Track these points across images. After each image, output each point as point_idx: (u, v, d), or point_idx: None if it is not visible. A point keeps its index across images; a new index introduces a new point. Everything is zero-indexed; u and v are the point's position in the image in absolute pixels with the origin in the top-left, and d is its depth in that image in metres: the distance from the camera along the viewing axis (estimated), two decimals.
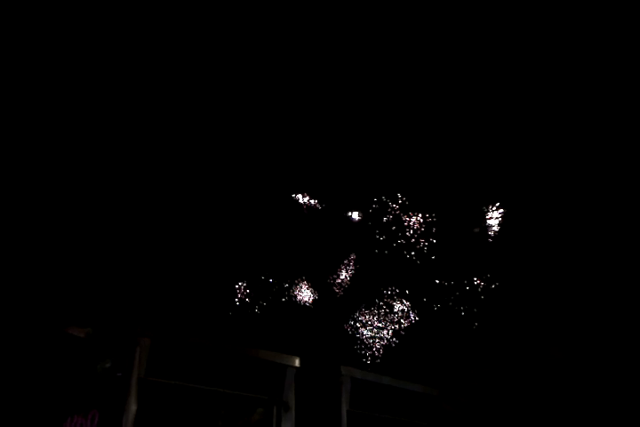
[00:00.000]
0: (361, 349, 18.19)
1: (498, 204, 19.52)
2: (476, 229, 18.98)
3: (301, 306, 18.88)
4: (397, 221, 19.50)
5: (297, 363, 11.22)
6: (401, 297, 19.28)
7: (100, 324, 10.27)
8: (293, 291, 18.91)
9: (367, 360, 17.47)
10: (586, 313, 16.06)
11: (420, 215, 19.02)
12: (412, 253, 18.88)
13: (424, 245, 19.22)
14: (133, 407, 8.66)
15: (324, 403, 11.68)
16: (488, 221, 19.39)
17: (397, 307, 19.17)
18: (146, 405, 8.89)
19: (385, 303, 19.22)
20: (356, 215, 19.45)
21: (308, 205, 19.39)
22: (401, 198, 19.37)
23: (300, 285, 19.01)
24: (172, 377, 9.62)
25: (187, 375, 9.76)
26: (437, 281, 19.16)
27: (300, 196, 19.83)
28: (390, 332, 18.76)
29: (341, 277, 19.25)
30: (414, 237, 19.17)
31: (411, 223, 19.29)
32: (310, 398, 11.46)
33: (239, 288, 18.89)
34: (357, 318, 18.86)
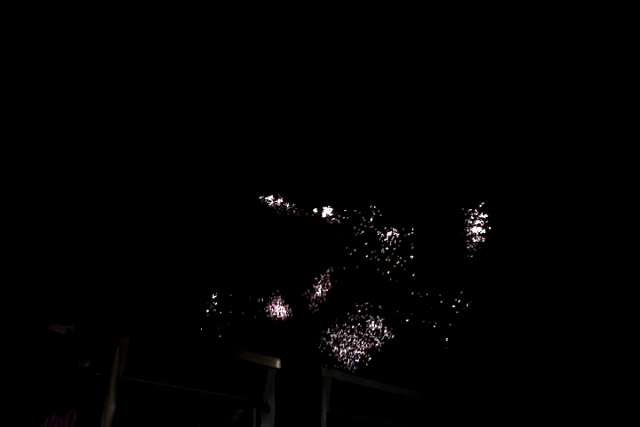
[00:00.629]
0: (341, 352, 18.21)
1: (477, 215, 19.43)
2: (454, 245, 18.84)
3: (282, 309, 18.86)
4: (371, 235, 19.36)
5: (278, 364, 11.18)
6: (375, 312, 19.22)
7: (80, 322, 10.17)
8: (270, 302, 18.87)
9: (348, 363, 17.49)
10: (566, 321, 16.19)
11: (396, 229, 18.84)
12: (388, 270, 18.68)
13: (400, 261, 19.07)
14: (112, 407, 8.59)
15: (304, 405, 11.65)
16: (469, 231, 19.33)
17: (372, 323, 19.16)
18: (124, 405, 8.81)
19: (362, 313, 19.18)
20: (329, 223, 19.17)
21: (282, 210, 19.18)
22: (375, 211, 19.17)
23: (275, 298, 18.94)
24: (152, 377, 9.55)
25: (166, 376, 9.70)
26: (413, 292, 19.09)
27: (277, 200, 19.62)
28: (370, 336, 18.78)
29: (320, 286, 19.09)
30: (390, 253, 19.02)
31: (386, 238, 19.14)
32: (290, 400, 11.43)
33: (220, 289, 18.84)
34: (335, 325, 18.86)
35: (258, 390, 10.74)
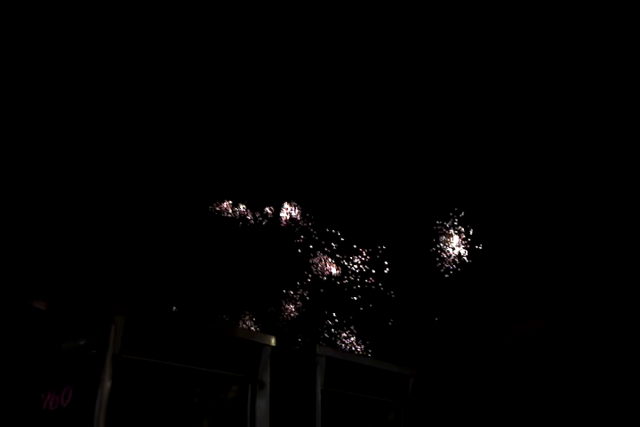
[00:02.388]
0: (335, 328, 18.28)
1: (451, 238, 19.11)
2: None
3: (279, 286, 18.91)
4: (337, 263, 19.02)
5: (273, 342, 11.24)
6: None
7: (74, 299, 10.18)
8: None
9: (341, 339, 17.58)
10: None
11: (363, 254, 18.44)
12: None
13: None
14: (108, 384, 8.62)
15: (299, 382, 11.74)
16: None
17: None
18: (120, 382, 8.85)
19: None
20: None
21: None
22: (338, 237, 18.70)
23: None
24: (148, 355, 9.58)
25: (162, 353, 9.74)
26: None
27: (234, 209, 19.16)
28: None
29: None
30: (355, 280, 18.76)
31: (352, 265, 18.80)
32: (285, 377, 11.51)
33: (216, 267, 18.85)
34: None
35: (253, 367, 10.81)
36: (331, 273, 18.88)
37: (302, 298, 18.28)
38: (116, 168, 17.54)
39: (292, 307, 17.96)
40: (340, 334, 17.63)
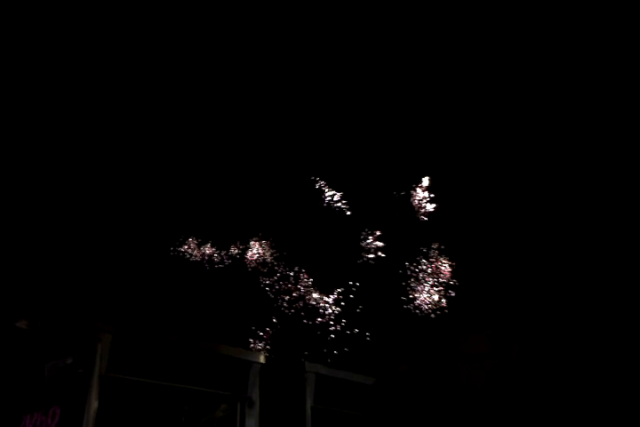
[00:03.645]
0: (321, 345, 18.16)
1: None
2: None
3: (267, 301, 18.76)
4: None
5: (262, 359, 11.16)
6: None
7: (59, 318, 10.07)
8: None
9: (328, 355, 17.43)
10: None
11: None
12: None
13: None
14: (95, 404, 8.50)
15: (288, 399, 11.63)
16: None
17: None
18: (108, 401, 8.73)
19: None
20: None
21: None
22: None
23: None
24: (135, 373, 9.47)
25: (149, 371, 9.64)
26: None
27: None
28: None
29: None
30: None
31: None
32: (275, 394, 11.40)
33: (203, 282, 18.69)
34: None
35: (242, 385, 10.72)
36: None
37: (290, 314, 18.16)
38: (96, 185, 17.42)
39: (280, 323, 17.84)
40: (324, 351, 17.49)
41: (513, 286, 17.92)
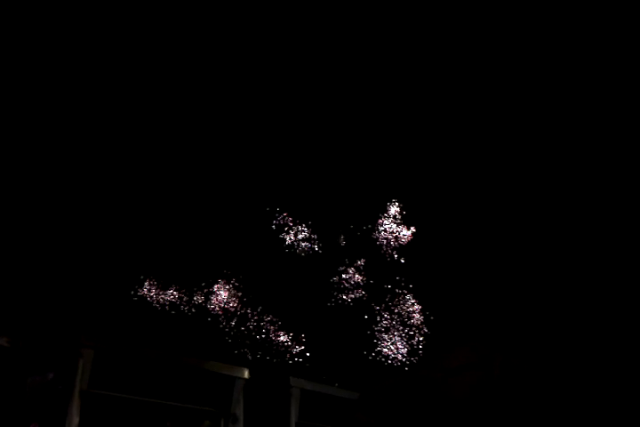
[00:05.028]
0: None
1: None
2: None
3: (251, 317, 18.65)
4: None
5: (246, 374, 11.04)
6: None
7: (39, 333, 9.92)
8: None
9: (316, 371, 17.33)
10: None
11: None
12: None
13: None
14: (75, 420, 8.37)
15: (272, 414, 11.50)
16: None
17: None
18: (89, 418, 8.59)
19: None
20: None
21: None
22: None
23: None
24: (117, 389, 9.34)
25: (132, 387, 9.51)
26: None
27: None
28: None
29: None
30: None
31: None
32: (259, 410, 11.27)
33: (186, 297, 18.55)
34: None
35: (226, 401, 10.59)
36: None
37: (273, 329, 18.06)
38: (83, 201, 17.27)
39: (263, 338, 17.73)
40: (310, 365, 17.40)
41: (495, 300, 17.97)
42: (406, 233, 18.52)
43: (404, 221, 18.56)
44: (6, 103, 15.86)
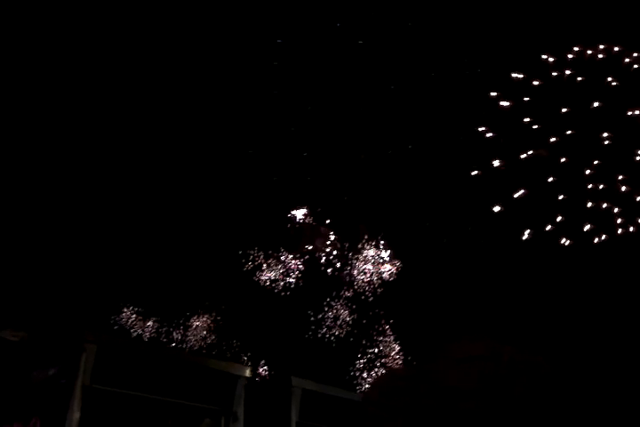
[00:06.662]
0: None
1: None
2: None
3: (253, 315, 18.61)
4: None
5: (248, 373, 11.05)
6: None
7: (44, 328, 9.95)
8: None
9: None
10: None
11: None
12: None
13: None
14: (77, 415, 8.37)
15: (273, 414, 11.51)
16: None
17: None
18: (90, 413, 8.60)
19: None
20: None
21: None
22: None
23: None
24: (119, 385, 9.35)
25: (133, 384, 9.52)
26: None
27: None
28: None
29: None
30: None
31: None
32: (260, 409, 11.28)
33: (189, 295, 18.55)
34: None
35: (227, 399, 10.59)
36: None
37: (278, 329, 18.02)
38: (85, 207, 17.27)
39: (265, 337, 17.71)
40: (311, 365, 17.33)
41: (502, 292, 17.95)
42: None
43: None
44: (6, 103, 15.89)
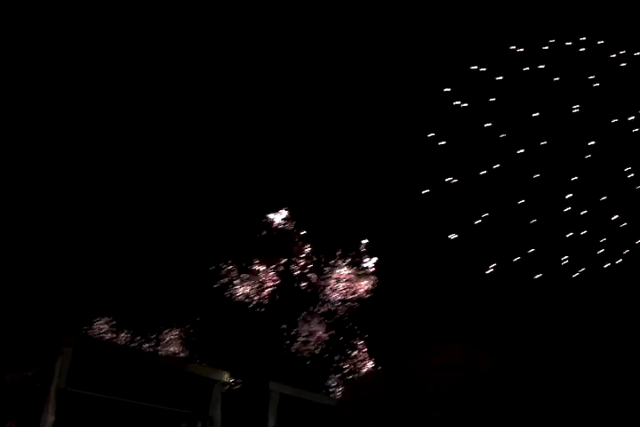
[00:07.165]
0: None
1: None
2: None
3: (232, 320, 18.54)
4: None
5: (225, 378, 10.99)
6: None
7: (19, 329, 9.86)
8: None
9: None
10: None
11: None
12: None
13: None
14: (51, 419, 8.29)
15: (250, 419, 11.47)
16: None
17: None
18: (65, 417, 8.52)
19: None
20: None
21: None
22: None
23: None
24: (94, 389, 9.27)
25: (109, 387, 9.44)
26: None
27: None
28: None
29: None
30: None
31: None
32: (237, 414, 11.24)
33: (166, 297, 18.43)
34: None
35: (203, 404, 10.53)
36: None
37: (254, 334, 17.96)
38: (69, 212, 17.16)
39: (243, 342, 17.64)
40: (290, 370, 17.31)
41: (481, 299, 18.09)
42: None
43: None
44: (6, 103, 15.81)
